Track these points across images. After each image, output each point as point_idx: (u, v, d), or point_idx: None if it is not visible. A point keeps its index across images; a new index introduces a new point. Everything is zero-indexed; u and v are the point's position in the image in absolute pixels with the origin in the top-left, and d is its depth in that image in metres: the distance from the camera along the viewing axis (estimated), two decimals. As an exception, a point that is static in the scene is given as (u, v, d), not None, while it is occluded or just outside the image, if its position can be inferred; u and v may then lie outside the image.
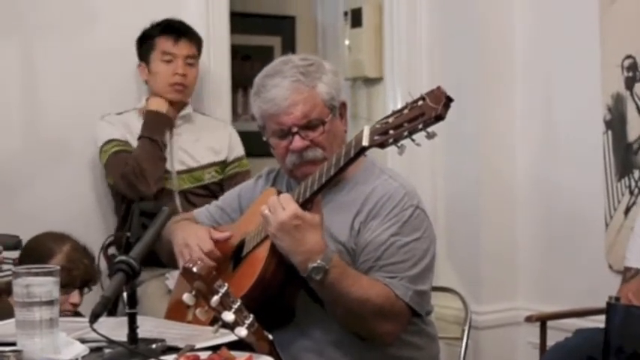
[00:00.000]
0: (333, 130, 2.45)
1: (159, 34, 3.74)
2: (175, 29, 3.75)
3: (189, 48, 3.76)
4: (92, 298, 3.16)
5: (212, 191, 3.70)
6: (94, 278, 3.11)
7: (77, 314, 3.00)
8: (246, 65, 5.63)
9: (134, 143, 3.65)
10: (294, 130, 2.41)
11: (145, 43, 3.76)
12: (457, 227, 4.39)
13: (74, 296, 2.99)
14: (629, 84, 3.88)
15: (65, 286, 2.92)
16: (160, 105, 3.69)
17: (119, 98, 3.85)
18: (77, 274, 3.00)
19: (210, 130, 3.84)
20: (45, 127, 3.78)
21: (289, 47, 5.73)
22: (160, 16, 3.80)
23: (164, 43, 3.73)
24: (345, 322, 2.37)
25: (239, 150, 3.88)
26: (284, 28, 5.90)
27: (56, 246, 3.05)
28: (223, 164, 3.81)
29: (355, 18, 4.88)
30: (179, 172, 3.70)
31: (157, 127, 3.65)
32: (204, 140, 3.80)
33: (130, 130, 3.69)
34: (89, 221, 3.82)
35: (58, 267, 2.69)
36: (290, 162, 2.46)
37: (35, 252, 3.00)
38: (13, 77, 3.75)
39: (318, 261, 2.23)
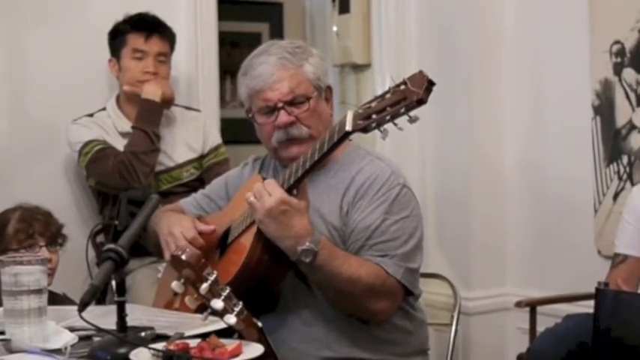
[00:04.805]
0: (319, 110, 2.47)
1: (130, 30, 3.65)
2: (147, 25, 3.66)
3: (161, 45, 3.68)
4: (81, 286, 3.15)
5: (192, 187, 3.57)
6: (55, 231, 3.14)
7: (69, 300, 2.99)
8: (234, 52, 5.63)
9: (111, 143, 3.60)
10: (280, 105, 2.43)
11: (116, 38, 3.68)
12: (447, 213, 4.39)
13: (42, 254, 2.99)
14: (618, 69, 3.88)
15: (30, 246, 3.04)
16: (154, 93, 3.60)
17: (109, 86, 3.84)
18: (34, 230, 3.07)
19: (184, 122, 3.78)
20: (34, 114, 3.77)
21: (277, 34, 5.73)
22: (149, 3, 3.75)
23: (135, 40, 3.64)
24: (337, 303, 2.37)
25: (214, 138, 3.82)
26: (272, 14, 5.90)
27: (10, 213, 3.12)
28: (201, 158, 3.76)
29: (343, 4, 4.87)
30: (157, 173, 3.64)
31: (150, 118, 3.58)
32: (179, 136, 3.73)
33: (105, 130, 3.64)
34: (79, 209, 3.81)
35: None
36: (275, 140, 2.46)
37: None
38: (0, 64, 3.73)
39: (307, 243, 2.23)
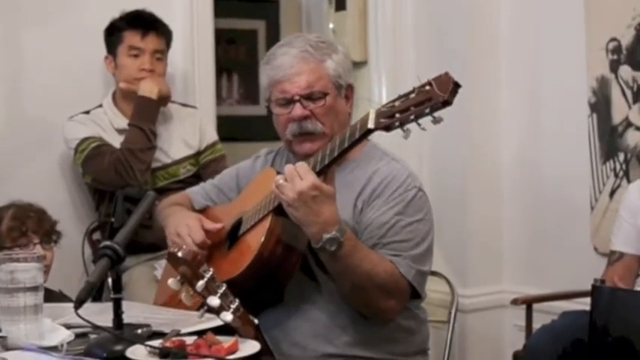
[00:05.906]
0: (335, 107, 2.47)
1: (126, 27, 3.65)
2: (143, 22, 3.66)
3: (157, 42, 3.68)
4: (77, 283, 3.15)
5: (188, 183, 3.56)
6: (49, 228, 3.15)
7: (65, 297, 2.99)
8: (230, 49, 5.63)
9: (108, 140, 3.60)
10: (296, 98, 2.43)
11: (113, 35, 3.68)
12: (444, 210, 4.36)
13: (37, 251, 2.99)
14: (614, 67, 3.88)
15: (24, 245, 3.04)
16: (150, 90, 3.59)
17: (105, 83, 3.83)
18: (27, 227, 3.08)
19: (180, 119, 3.78)
20: (30, 111, 3.76)
21: (273, 31, 5.73)
22: (146, 1, 3.74)
23: (131, 37, 3.64)
24: (350, 296, 2.37)
25: (210, 135, 3.82)
26: (268, 11, 5.89)
27: (3, 211, 3.13)
28: (197, 155, 3.76)
29: (339, 1, 4.86)
30: (154, 170, 3.64)
31: (147, 115, 3.58)
32: (175, 133, 3.73)
33: (101, 127, 3.64)
34: (75, 206, 3.81)
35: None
36: (290, 132, 2.47)
37: None
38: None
39: (334, 232, 2.22)
